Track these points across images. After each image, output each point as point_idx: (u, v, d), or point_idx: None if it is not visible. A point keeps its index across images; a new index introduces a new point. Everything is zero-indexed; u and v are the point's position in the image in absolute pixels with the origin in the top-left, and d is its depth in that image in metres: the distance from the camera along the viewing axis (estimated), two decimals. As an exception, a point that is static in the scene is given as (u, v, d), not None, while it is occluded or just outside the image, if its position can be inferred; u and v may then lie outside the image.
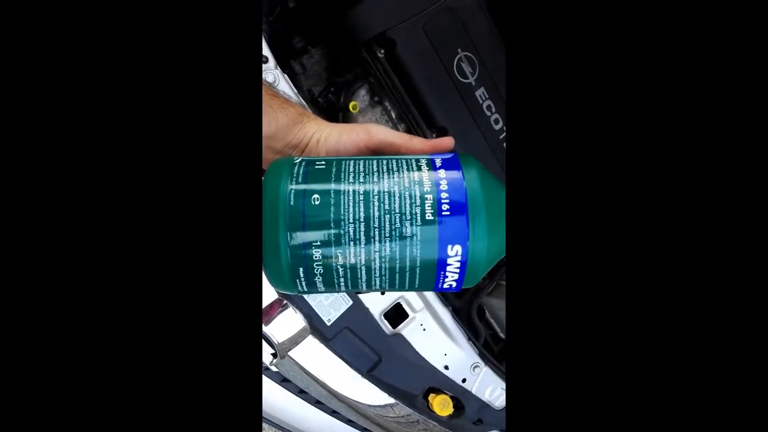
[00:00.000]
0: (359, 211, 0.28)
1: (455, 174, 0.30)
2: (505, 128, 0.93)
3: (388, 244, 0.28)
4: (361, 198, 0.29)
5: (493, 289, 0.99)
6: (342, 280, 0.30)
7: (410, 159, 0.32)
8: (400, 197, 0.29)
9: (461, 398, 0.88)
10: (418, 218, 0.28)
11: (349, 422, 0.89)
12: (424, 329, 0.84)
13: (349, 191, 0.29)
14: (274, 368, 0.78)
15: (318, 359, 0.79)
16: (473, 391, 0.88)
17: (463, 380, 0.88)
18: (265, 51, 0.74)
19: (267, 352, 0.75)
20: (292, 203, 0.28)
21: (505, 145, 0.93)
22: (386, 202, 0.28)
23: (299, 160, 0.31)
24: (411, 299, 0.83)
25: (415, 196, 0.29)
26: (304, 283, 0.30)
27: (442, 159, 0.32)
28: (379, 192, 0.29)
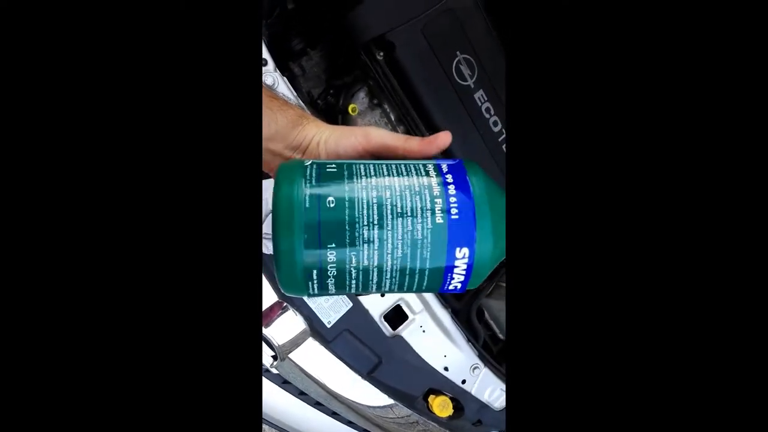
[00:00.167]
0: (373, 214, 0.29)
1: (462, 178, 0.31)
2: (503, 130, 0.93)
3: (400, 246, 0.29)
4: (375, 201, 0.29)
5: (492, 290, 0.99)
6: (354, 282, 0.30)
7: (418, 164, 0.32)
8: (411, 201, 0.29)
9: (461, 399, 0.89)
10: (429, 221, 0.29)
11: (349, 423, 0.89)
12: (424, 331, 0.84)
13: (362, 194, 0.29)
14: (274, 370, 0.78)
15: (318, 361, 0.80)
16: (473, 392, 0.89)
17: (463, 381, 0.88)
18: (264, 53, 0.74)
19: (267, 354, 0.75)
20: (307, 205, 0.29)
21: (504, 147, 0.94)
22: (398, 205, 0.29)
23: (309, 163, 0.32)
24: (411, 301, 0.83)
25: (426, 199, 0.30)
26: (316, 286, 0.31)
27: (448, 164, 0.33)
28: (391, 195, 0.30)
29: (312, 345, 0.78)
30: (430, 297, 0.84)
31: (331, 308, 0.78)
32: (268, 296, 0.74)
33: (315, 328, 0.77)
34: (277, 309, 0.76)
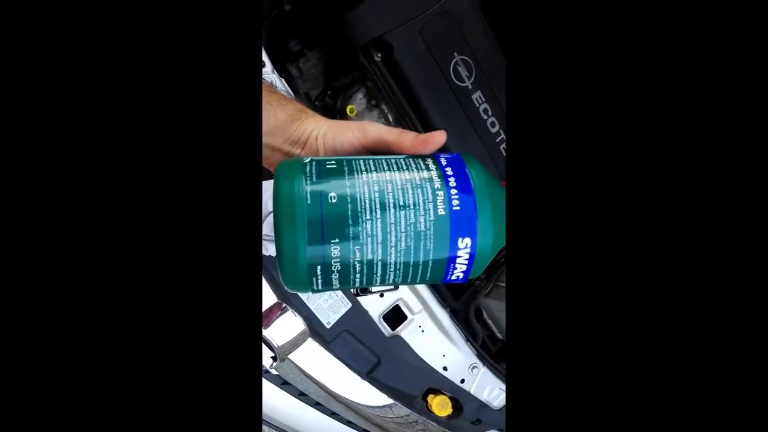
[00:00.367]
0: (375, 208, 0.29)
1: (461, 170, 0.32)
2: (501, 131, 0.94)
3: (403, 238, 0.30)
4: (376, 195, 0.30)
5: (491, 290, 1.00)
6: (358, 276, 0.31)
7: (417, 158, 0.33)
8: (413, 194, 0.30)
9: (460, 398, 0.89)
10: (431, 213, 0.30)
11: (348, 423, 0.90)
12: (423, 331, 0.85)
13: (364, 189, 0.30)
14: (274, 371, 0.79)
15: (318, 362, 0.80)
16: (471, 392, 0.89)
17: (462, 381, 0.88)
18: (262, 55, 0.74)
19: (267, 355, 0.75)
20: (309, 202, 0.29)
21: (501, 148, 0.94)
22: (400, 198, 0.30)
23: (308, 160, 0.32)
24: (409, 301, 0.84)
25: (427, 191, 0.30)
26: (320, 282, 0.31)
27: (447, 158, 0.33)
28: (393, 189, 0.30)
29: (311, 346, 0.78)
30: (429, 297, 0.84)
31: (330, 309, 0.78)
32: (268, 297, 0.75)
33: (314, 328, 0.77)
34: (276, 310, 0.76)
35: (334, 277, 0.30)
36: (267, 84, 0.39)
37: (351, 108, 0.94)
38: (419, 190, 0.30)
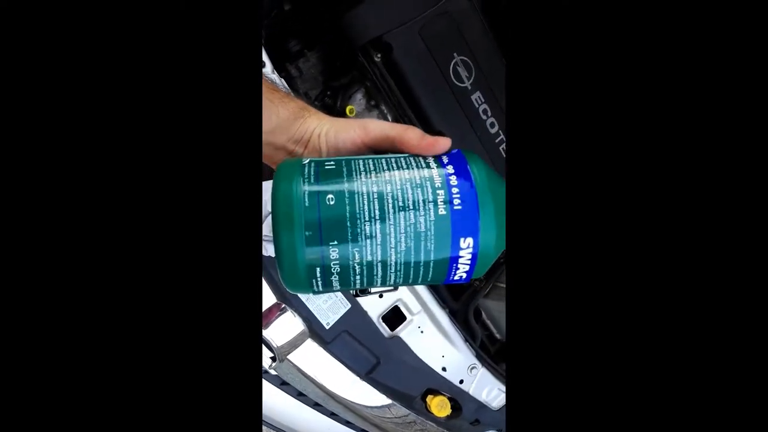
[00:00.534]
0: (374, 209, 0.29)
1: (463, 168, 0.31)
2: (500, 132, 0.94)
3: (403, 239, 0.29)
4: (375, 196, 0.29)
5: (490, 291, 1.00)
6: (358, 277, 0.30)
7: (418, 156, 0.32)
8: (413, 193, 0.29)
9: (459, 399, 0.89)
10: (432, 213, 0.29)
11: (347, 424, 0.90)
12: (422, 331, 0.85)
13: (362, 189, 0.29)
14: (273, 372, 0.79)
15: (317, 362, 0.80)
16: (470, 392, 0.89)
17: (461, 381, 0.88)
18: (262, 55, 0.74)
19: (266, 355, 0.75)
20: (307, 204, 0.29)
21: (500, 148, 0.94)
22: (400, 198, 0.29)
23: (308, 161, 0.32)
24: (409, 302, 0.84)
25: (428, 191, 0.30)
26: (320, 283, 0.31)
27: (448, 155, 0.33)
28: (392, 189, 0.29)
29: (311, 346, 0.78)
30: (428, 297, 0.84)
31: (329, 309, 0.78)
32: (267, 298, 0.74)
33: (314, 329, 0.77)
34: (275, 310, 0.76)
35: (334, 278, 0.30)
36: (269, 82, 0.39)
37: (350, 108, 0.94)
38: (419, 189, 0.30)
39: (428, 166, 0.31)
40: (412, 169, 0.31)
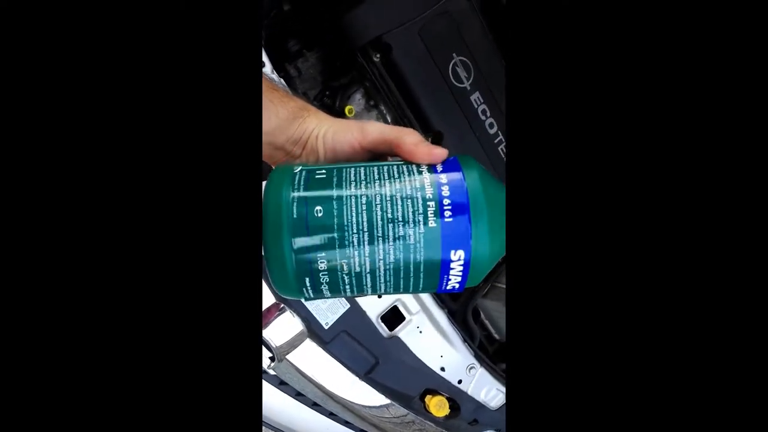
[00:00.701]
0: (362, 221, 0.29)
1: (456, 177, 0.31)
2: (500, 133, 0.94)
3: (392, 251, 0.29)
4: (364, 208, 0.29)
5: (488, 291, 1.00)
6: (348, 286, 0.30)
7: (411, 164, 0.32)
8: (402, 205, 0.29)
9: (457, 399, 0.89)
10: (421, 225, 0.29)
11: (346, 424, 0.90)
12: (421, 331, 0.85)
13: (351, 201, 0.29)
14: (271, 371, 0.79)
15: (316, 362, 0.80)
16: (469, 392, 0.89)
17: (459, 381, 0.89)
18: (262, 55, 0.74)
19: (265, 355, 0.75)
20: (295, 216, 0.29)
21: (499, 149, 0.94)
22: (389, 210, 0.29)
23: (299, 169, 0.31)
24: (407, 302, 0.84)
25: (418, 202, 0.29)
26: (310, 291, 0.31)
27: (443, 163, 0.32)
28: (381, 200, 0.29)
29: (309, 346, 0.78)
30: (426, 298, 0.85)
31: (328, 309, 0.79)
32: (266, 297, 0.74)
33: (312, 329, 0.77)
34: (274, 310, 0.76)
35: (324, 288, 0.30)
36: (270, 82, 0.39)
37: (349, 108, 0.94)
38: (409, 201, 0.29)
39: (421, 176, 0.31)
40: (404, 179, 0.30)
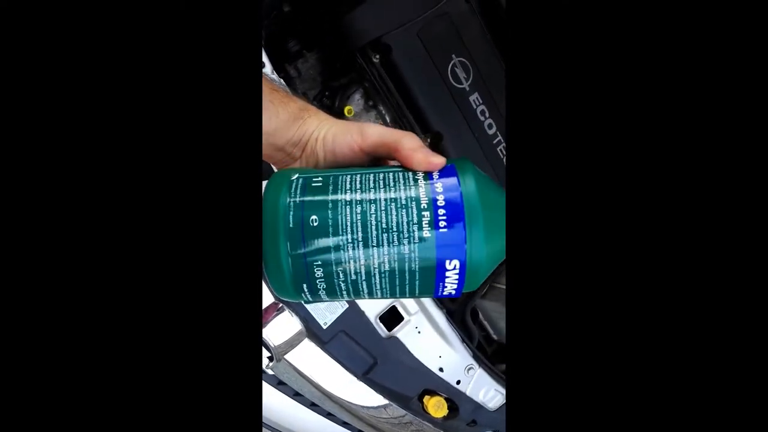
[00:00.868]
0: (357, 230, 0.29)
1: (452, 185, 0.31)
2: (498, 133, 0.94)
3: (387, 260, 0.29)
4: (359, 217, 0.29)
5: (486, 291, 1.00)
6: (345, 292, 0.31)
7: (407, 172, 0.32)
8: (397, 214, 0.29)
9: (455, 400, 0.89)
10: (416, 236, 0.29)
11: (344, 424, 0.90)
12: (419, 332, 0.85)
13: (346, 211, 0.29)
14: (270, 371, 0.78)
15: (314, 362, 0.80)
16: (467, 393, 0.89)
17: (458, 382, 0.89)
18: (262, 56, 0.74)
19: (263, 355, 0.75)
20: (291, 224, 0.29)
21: (498, 150, 0.95)
22: (383, 219, 0.29)
23: (296, 176, 0.32)
24: (406, 302, 0.84)
25: (412, 212, 0.29)
26: (308, 295, 0.31)
27: (440, 170, 0.32)
28: (376, 209, 0.29)
29: (308, 346, 0.78)
30: (425, 299, 0.85)
31: (327, 309, 0.79)
32: (265, 297, 0.74)
33: (311, 329, 0.77)
34: (272, 310, 0.76)
35: (322, 292, 0.31)
36: (271, 83, 0.39)
37: (349, 109, 0.95)
38: (404, 210, 0.29)
39: (416, 185, 0.31)
40: (399, 188, 0.30)
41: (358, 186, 0.31)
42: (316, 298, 0.31)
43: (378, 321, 0.82)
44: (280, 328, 0.74)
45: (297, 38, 0.98)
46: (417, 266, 0.29)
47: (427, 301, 0.85)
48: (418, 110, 0.90)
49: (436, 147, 0.90)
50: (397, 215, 0.29)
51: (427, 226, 0.29)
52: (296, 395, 0.83)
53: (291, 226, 0.29)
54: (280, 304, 0.75)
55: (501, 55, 0.95)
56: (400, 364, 0.84)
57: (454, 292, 0.31)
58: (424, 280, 0.30)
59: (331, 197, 0.30)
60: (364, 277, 0.30)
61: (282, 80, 0.75)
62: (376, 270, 0.29)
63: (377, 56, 0.88)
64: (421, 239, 0.29)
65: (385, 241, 0.29)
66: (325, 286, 0.30)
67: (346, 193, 0.30)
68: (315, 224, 0.29)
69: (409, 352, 0.84)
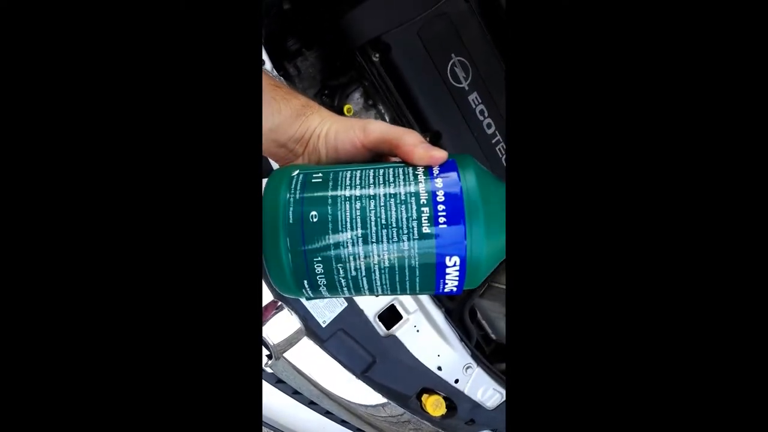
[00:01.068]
0: (357, 227, 0.29)
1: (452, 181, 0.30)
2: (497, 133, 0.95)
3: (386, 256, 0.29)
4: (358, 213, 0.29)
5: (485, 290, 1.00)
6: (345, 288, 0.31)
7: (407, 168, 0.32)
8: (396, 211, 0.29)
9: (454, 398, 0.89)
10: (415, 232, 0.29)
11: (342, 423, 0.90)
12: (418, 331, 0.85)
13: (345, 207, 0.29)
14: (268, 369, 0.78)
15: (313, 360, 0.80)
16: (465, 392, 0.89)
17: (456, 381, 0.89)
18: (262, 54, 0.74)
19: (262, 353, 0.75)
20: (291, 221, 0.29)
21: (497, 149, 0.95)
22: (383, 215, 0.29)
23: (296, 172, 0.32)
24: (405, 301, 0.84)
25: (412, 208, 0.29)
26: (309, 291, 0.31)
27: (441, 166, 0.32)
28: (375, 206, 0.29)
29: (306, 344, 0.78)
30: (424, 297, 0.85)
31: (326, 308, 0.79)
32: (264, 295, 0.75)
33: (310, 327, 0.77)
34: (272, 308, 0.76)
35: (322, 288, 0.31)
36: (274, 79, 0.38)
37: (348, 107, 0.95)
38: (403, 206, 0.29)
39: (416, 181, 0.30)
40: (399, 184, 0.30)
41: (358, 182, 0.30)
42: (317, 294, 0.31)
43: (377, 319, 0.82)
44: (279, 326, 0.74)
45: (297, 36, 0.98)
46: (417, 262, 0.29)
47: (426, 300, 0.85)
48: (418, 109, 0.90)
49: (434, 146, 0.89)
50: (396, 211, 0.29)
51: (426, 221, 0.29)
52: (295, 393, 0.83)
53: (291, 222, 0.29)
54: (279, 302, 0.75)
55: (500, 55, 0.96)
56: (399, 362, 0.84)
57: (455, 289, 0.31)
58: (425, 277, 0.30)
59: (330, 193, 0.30)
60: (364, 273, 0.30)
61: (282, 78, 0.75)
62: (376, 266, 0.29)
63: (377, 55, 0.89)
64: (421, 235, 0.29)
65: (385, 237, 0.29)
66: (325, 282, 0.30)
67: (345, 189, 0.30)
68: (315, 220, 0.29)
69: (408, 350, 0.84)
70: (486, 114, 0.93)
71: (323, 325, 0.78)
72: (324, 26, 0.95)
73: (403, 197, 0.29)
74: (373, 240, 0.29)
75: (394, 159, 0.36)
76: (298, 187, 0.30)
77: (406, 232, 0.29)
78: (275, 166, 0.35)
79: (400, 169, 0.32)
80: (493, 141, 0.94)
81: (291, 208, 0.29)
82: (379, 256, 0.29)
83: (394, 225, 0.29)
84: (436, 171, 0.31)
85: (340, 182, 0.31)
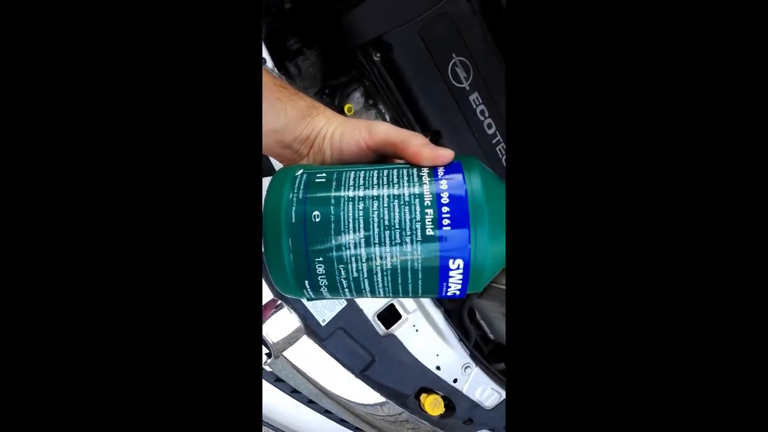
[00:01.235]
0: (360, 228, 0.29)
1: (457, 183, 0.30)
2: (498, 133, 0.95)
3: (389, 258, 0.29)
4: (361, 215, 0.29)
5: (484, 291, 1.00)
6: (347, 289, 0.31)
7: (411, 169, 0.31)
8: (400, 212, 0.29)
9: (452, 398, 0.90)
10: (419, 234, 0.28)
11: (341, 422, 0.90)
12: (417, 330, 0.85)
13: (348, 208, 0.29)
14: (267, 368, 0.79)
15: (312, 359, 0.80)
16: (464, 391, 0.90)
17: (455, 380, 0.89)
18: (263, 52, 0.74)
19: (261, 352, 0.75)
20: (293, 221, 0.29)
21: (498, 149, 0.95)
22: (386, 217, 0.29)
23: (300, 171, 0.31)
24: (404, 301, 0.84)
25: (416, 211, 0.29)
26: (310, 291, 0.31)
27: (446, 168, 0.32)
28: (379, 207, 0.29)
29: (306, 343, 0.78)
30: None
31: (325, 307, 0.79)
32: (264, 294, 0.74)
33: (309, 326, 0.77)
34: (271, 307, 0.75)
35: (323, 289, 0.30)
36: (280, 79, 0.38)
37: (349, 107, 0.95)
38: (407, 208, 0.29)
39: (420, 182, 0.30)
40: (403, 185, 0.30)
41: (362, 182, 0.30)
42: (318, 294, 0.31)
43: (376, 319, 0.82)
44: (278, 325, 0.74)
45: (297, 36, 0.98)
46: (420, 265, 0.29)
47: (425, 300, 0.85)
48: (418, 109, 0.90)
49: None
50: (400, 212, 0.29)
51: (430, 224, 0.28)
52: (294, 392, 0.84)
53: (293, 221, 0.29)
54: (279, 301, 0.75)
55: (501, 55, 0.96)
56: (398, 362, 0.84)
57: (458, 292, 0.31)
58: (428, 280, 0.30)
59: (334, 193, 0.30)
60: (366, 275, 0.29)
61: (282, 77, 0.75)
62: (379, 268, 0.29)
63: (378, 54, 0.88)
64: (424, 237, 0.28)
65: (388, 239, 0.28)
66: (326, 283, 0.30)
67: (349, 189, 0.30)
68: (317, 220, 0.29)
69: (407, 350, 0.84)
70: (486, 114, 0.93)
71: (323, 324, 0.78)
72: (325, 26, 0.95)
73: (406, 198, 0.29)
74: (376, 241, 0.29)
75: (398, 161, 0.36)
76: (302, 187, 0.30)
77: (409, 233, 0.28)
78: (278, 166, 0.35)
79: (405, 170, 0.31)
80: (494, 141, 0.94)
81: (294, 208, 0.29)
82: (381, 257, 0.29)
83: (397, 226, 0.28)
84: (440, 172, 0.31)
85: (343, 182, 0.30)
